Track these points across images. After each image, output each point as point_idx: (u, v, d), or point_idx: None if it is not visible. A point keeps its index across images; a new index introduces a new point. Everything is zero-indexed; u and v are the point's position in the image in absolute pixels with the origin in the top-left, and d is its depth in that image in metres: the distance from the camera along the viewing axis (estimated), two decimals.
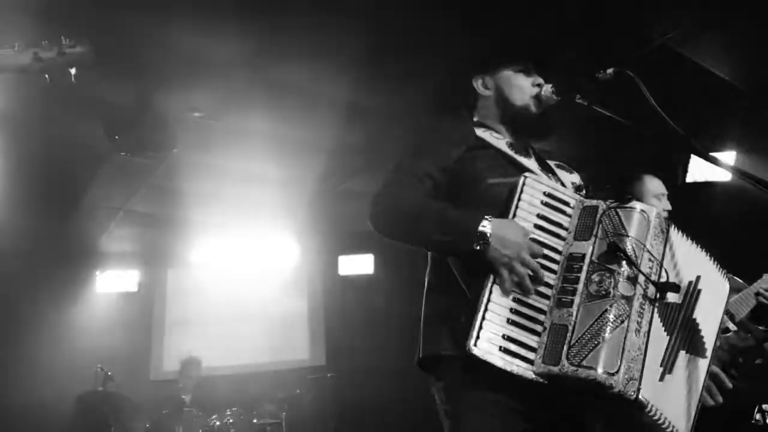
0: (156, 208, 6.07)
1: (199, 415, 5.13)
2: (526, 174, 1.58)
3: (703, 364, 1.63)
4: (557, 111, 1.84)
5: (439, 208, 1.61)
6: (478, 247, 1.49)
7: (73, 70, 1.84)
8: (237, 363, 7.16)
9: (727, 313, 2.87)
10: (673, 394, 1.52)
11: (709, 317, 1.66)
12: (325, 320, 7.61)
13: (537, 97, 1.81)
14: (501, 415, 1.51)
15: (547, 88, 1.80)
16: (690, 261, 1.62)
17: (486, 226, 1.50)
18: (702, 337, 1.63)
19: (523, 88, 1.83)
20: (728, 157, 5.05)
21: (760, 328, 2.91)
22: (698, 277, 1.63)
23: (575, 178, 1.91)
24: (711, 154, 1.66)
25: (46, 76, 1.81)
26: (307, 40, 3.60)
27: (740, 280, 2.97)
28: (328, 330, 7.54)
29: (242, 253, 7.48)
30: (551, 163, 1.90)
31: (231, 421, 5.11)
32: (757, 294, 2.84)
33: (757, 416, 4.36)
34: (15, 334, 6.11)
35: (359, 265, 7.75)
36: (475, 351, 1.41)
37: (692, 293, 1.62)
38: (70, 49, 1.82)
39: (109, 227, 6.35)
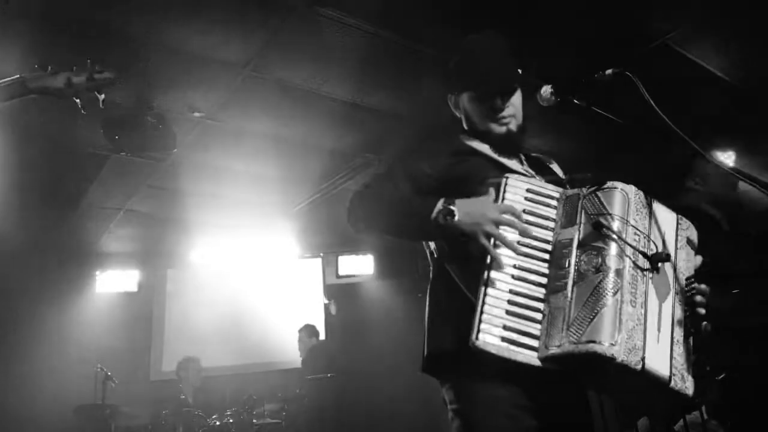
0: (156, 208, 6.06)
1: (199, 415, 5.13)
2: (508, 174, 1.60)
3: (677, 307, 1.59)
4: (556, 112, 1.84)
5: (406, 197, 1.64)
6: (445, 220, 1.49)
7: (102, 96, 1.96)
8: (237, 363, 7.15)
9: None
10: (662, 345, 1.51)
11: (690, 265, 1.67)
12: (325, 321, 7.60)
13: (496, 121, 1.77)
14: (510, 412, 1.51)
15: (546, 89, 1.81)
16: (671, 227, 1.64)
17: (450, 204, 1.51)
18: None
19: (480, 113, 1.79)
20: (727, 157, 5.06)
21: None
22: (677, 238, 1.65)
23: (556, 167, 1.91)
24: (710, 154, 1.66)
25: (77, 100, 1.93)
26: (307, 40, 3.61)
27: None
28: (327, 331, 7.53)
29: (242, 253, 7.49)
30: (535, 155, 1.90)
31: (231, 421, 5.10)
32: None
33: None
34: (15, 333, 6.12)
35: (359, 265, 7.76)
36: (479, 344, 1.42)
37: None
38: (99, 75, 1.96)
39: (109, 227, 6.35)
